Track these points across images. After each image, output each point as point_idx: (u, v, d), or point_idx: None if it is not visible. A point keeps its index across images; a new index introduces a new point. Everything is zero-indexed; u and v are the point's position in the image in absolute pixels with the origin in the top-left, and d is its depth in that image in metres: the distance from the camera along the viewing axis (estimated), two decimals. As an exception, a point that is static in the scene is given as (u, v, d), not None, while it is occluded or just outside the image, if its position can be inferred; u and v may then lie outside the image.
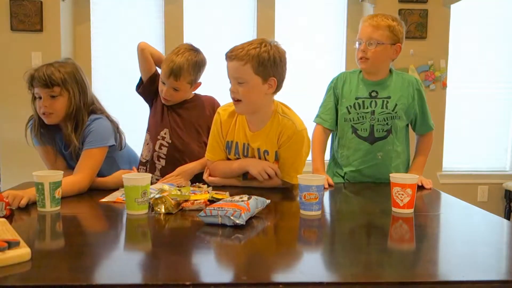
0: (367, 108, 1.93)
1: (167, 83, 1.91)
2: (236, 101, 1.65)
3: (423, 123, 2.00)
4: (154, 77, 2.02)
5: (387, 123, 1.92)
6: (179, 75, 1.87)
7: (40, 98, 1.67)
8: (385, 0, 3.57)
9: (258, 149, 1.72)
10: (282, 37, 3.72)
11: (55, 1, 3.32)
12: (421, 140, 2.05)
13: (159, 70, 2.01)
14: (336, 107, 2.00)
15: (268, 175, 1.69)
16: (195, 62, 1.91)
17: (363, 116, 1.93)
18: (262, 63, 1.59)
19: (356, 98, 1.95)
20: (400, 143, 1.97)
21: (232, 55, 1.61)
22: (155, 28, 3.64)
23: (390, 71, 2.00)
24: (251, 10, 3.71)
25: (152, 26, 3.64)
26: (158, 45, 3.59)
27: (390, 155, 1.95)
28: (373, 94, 1.95)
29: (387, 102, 1.92)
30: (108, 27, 3.61)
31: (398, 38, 1.91)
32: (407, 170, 2.01)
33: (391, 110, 1.92)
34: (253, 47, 1.60)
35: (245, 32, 3.72)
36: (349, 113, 1.94)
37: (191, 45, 1.98)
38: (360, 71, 2.00)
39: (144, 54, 1.98)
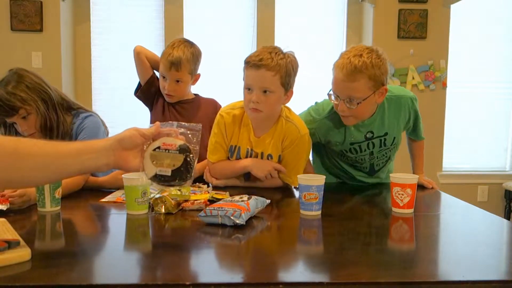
0: (365, 150, 1.78)
1: (168, 76, 1.92)
2: (256, 110, 1.61)
3: (413, 134, 1.94)
4: (152, 80, 2.03)
5: (385, 155, 1.85)
6: (180, 65, 1.89)
7: (15, 123, 1.66)
8: (385, 0, 3.57)
9: (262, 153, 1.72)
10: (282, 37, 3.73)
11: (55, 1, 3.33)
12: (413, 144, 2.02)
13: (157, 73, 2.02)
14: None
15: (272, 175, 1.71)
16: (192, 52, 1.94)
17: (362, 158, 1.81)
18: (289, 74, 1.59)
19: (351, 144, 1.76)
20: (393, 157, 1.94)
21: (261, 64, 1.55)
22: (155, 28, 3.64)
23: None
24: (251, 10, 3.71)
25: (152, 26, 3.64)
26: (158, 45, 3.60)
27: (386, 170, 1.94)
28: (369, 135, 1.74)
29: (385, 139, 1.77)
30: (108, 27, 3.62)
31: (382, 80, 1.58)
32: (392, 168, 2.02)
33: (389, 145, 1.79)
34: (280, 57, 1.57)
35: (245, 32, 3.72)
36: (345, 156, 1.81)
37: (184, 38, 2.01)
38: None
39: (140, 57, 1.99)
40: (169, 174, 1.06)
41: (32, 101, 1.64)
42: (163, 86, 1.95)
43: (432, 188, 1.84)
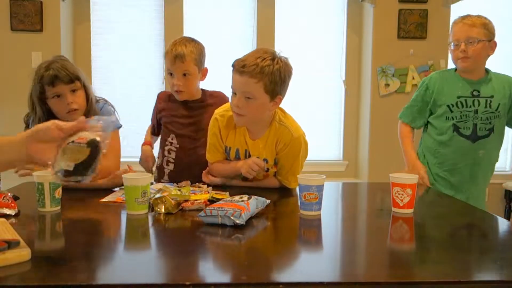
0: (470, 106, 1.95)
1: (175, 70, 1.91)
2: (238, 114, 1.62)
3: None
4: (159, 120, 2.08)
5: (489, 122, 1.95)
6: (184, 56, 1.89)
7: (58, 96, 1.68)
8: (385, 0, 3.57)
9: (258, 158, 1.71)
10: (282, 37, 3.73)
11: (55, 1, 3.32)
12: None
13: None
14: (424, 108, 2.05)
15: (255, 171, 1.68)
16: (194, 45, 1.94)
17: (466, 115, 1.95)
18: (274, 82, 1.55)
19: (458, 97, 1.97)
20: (499, 142, 2.02)
21: (244, 70, 1.54)
22: (155, 28, 3.64)
23: (486, 71, 2.04)
24: (251, 10, 3.71)
25: (152, 26, 3.64)
26: (158, 45, 3.62)
27: (490, 154, 2.00)
28: (475, 93, 1.97)
29: (491, 101, 1.96)
30: (108, 27, 3.62)
31: (493, 34, 1.97)
32: (494, 166, 2.09)
33: (494, 109, 1.96)
34: (267, 64, 1.53)
35: (245, 32, 3.72)
36: (451, 111, 1.97)
37: (185, 36, 2.01)
38: (455, 70, 2.05)
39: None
40: (71, 169, 1.02)
41: (85, 81, 1.75)
42: (172, 83, 1.94)
43: None
